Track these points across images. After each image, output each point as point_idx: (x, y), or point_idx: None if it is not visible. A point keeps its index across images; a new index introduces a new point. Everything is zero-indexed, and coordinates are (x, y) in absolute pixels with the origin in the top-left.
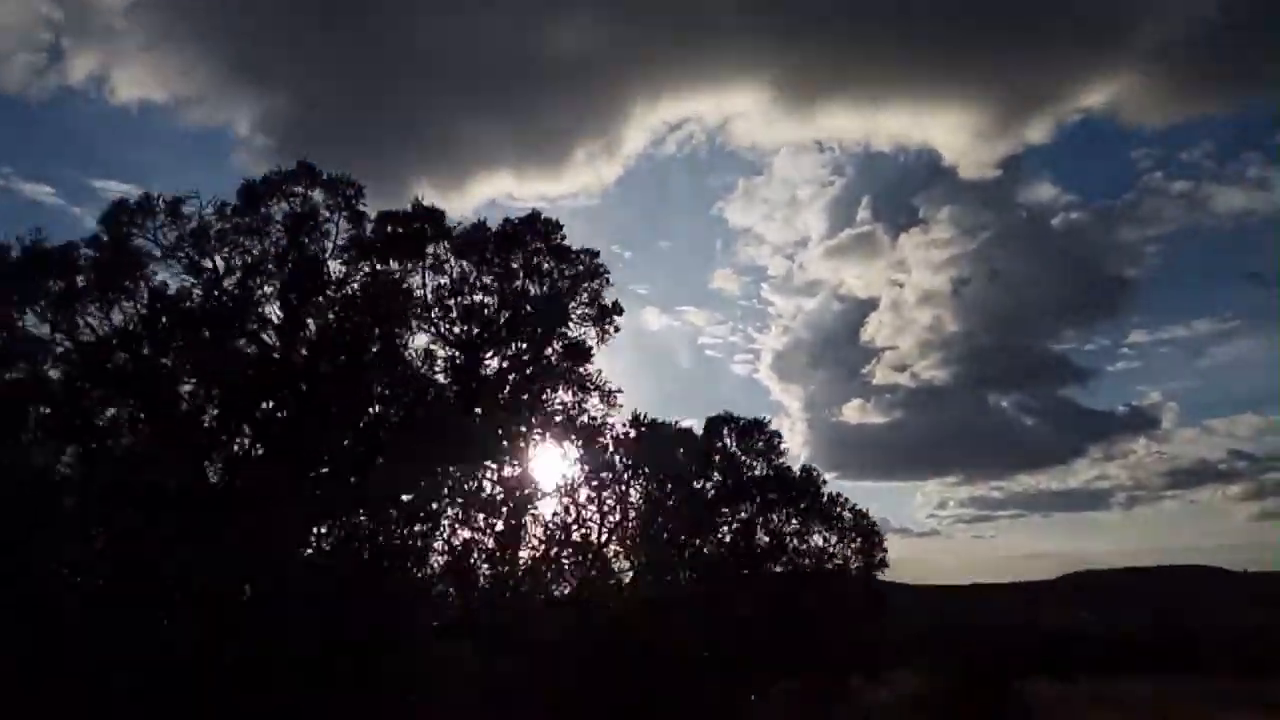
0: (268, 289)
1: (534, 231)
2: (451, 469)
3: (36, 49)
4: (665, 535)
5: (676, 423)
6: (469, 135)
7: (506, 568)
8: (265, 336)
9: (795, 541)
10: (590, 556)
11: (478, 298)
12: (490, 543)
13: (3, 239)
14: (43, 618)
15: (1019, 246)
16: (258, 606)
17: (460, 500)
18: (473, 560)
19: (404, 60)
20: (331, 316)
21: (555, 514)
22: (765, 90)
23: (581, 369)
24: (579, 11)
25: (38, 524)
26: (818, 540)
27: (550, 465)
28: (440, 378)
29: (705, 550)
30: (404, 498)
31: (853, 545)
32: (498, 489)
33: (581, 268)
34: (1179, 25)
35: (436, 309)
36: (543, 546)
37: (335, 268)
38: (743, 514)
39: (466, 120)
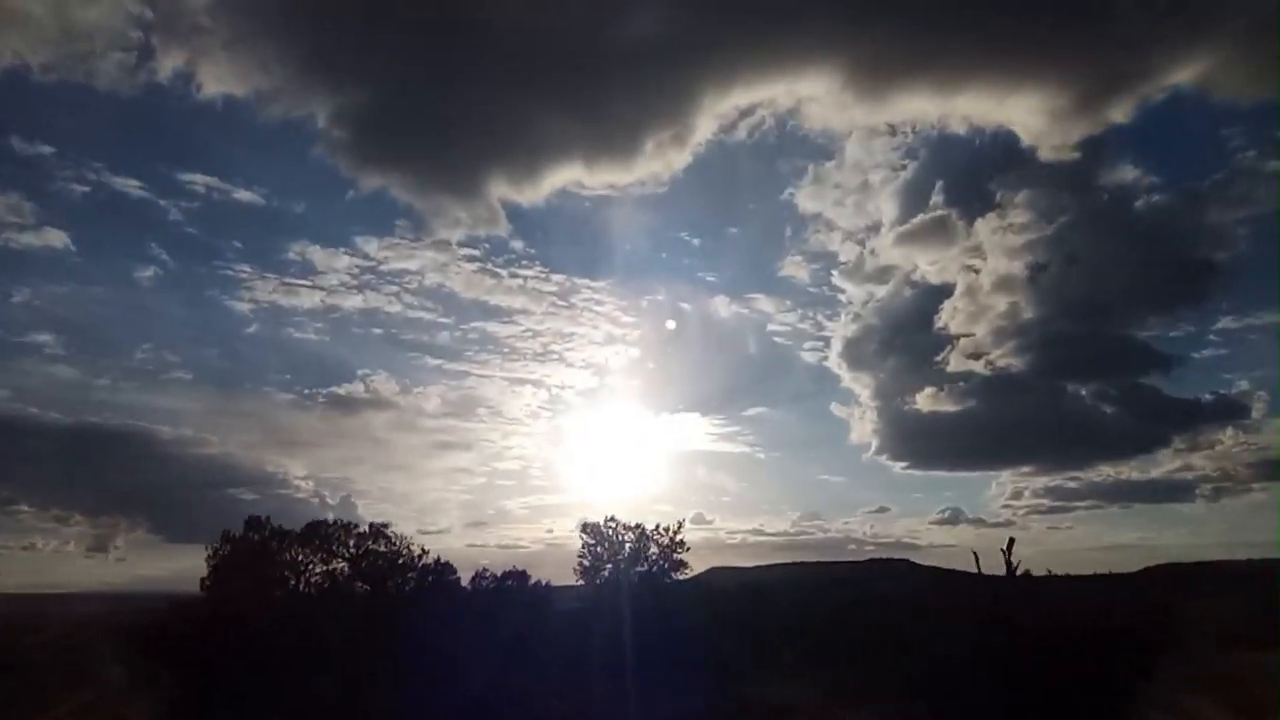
0: None
1: None
2: None
3: (127, 48)
4: None
5: None
6: (540, 125)
7: None
8: None
9: None
10: None
11: None
12: None
13: None
14: None
15: (1099, 230)
16: None
17: None
18: None
19: (477, 51)
20: None
21: None
22: (838, 74)
23: None
24: (649, 1)
25: None
26: None
27: None
28: None
29: None
30: None
31: None
32: None
33: None
34: None
35: None
36: None
37: None
38: None
39: (538, 111)
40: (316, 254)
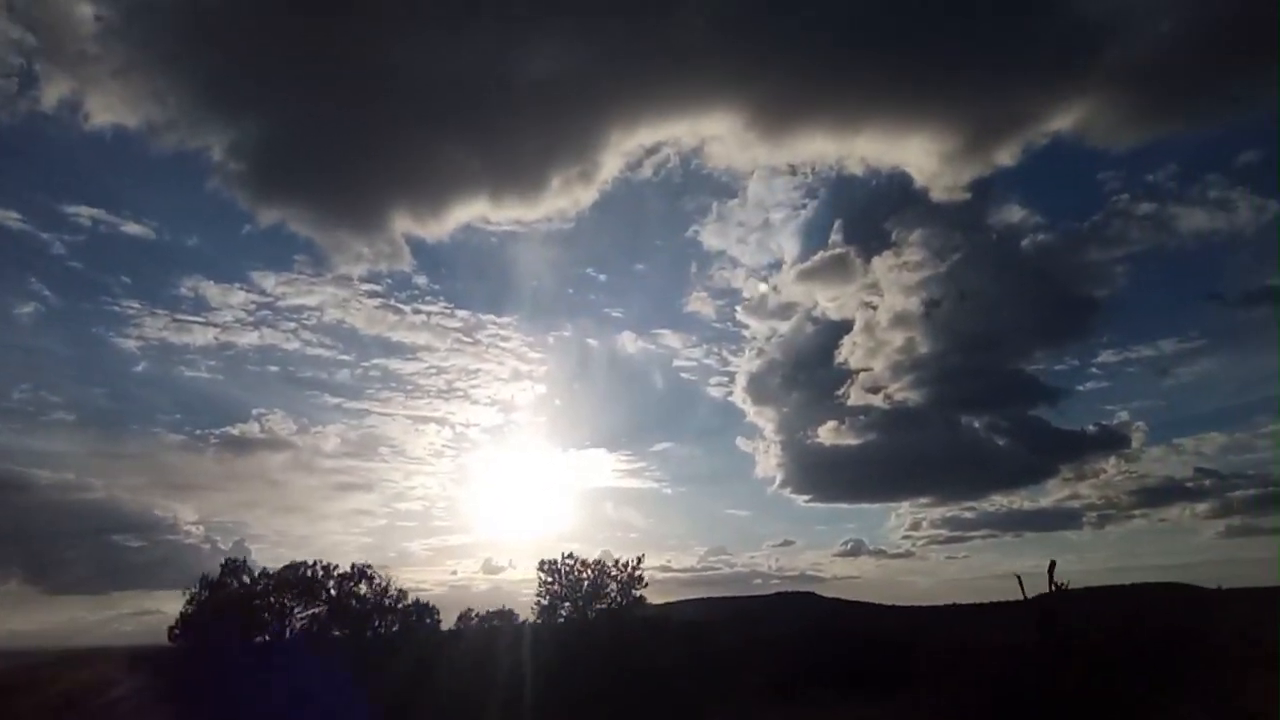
0: None
1: None
2: None
3: (8, 74)
4: None
5: None
6: (445, 161)
7: None
8: None
9: None
10: None
11: None
12: None
13: None
14: None
15: (989, 268)
16: None
17: None
18: None
19: (379, 86)
20: None
21: None
22: (741, 114)
23: None
24: (555, 38)
25: None
26: None
27: None
28: None
29: None
30: None
31: None
32: None
33: None
34: (1143, 45)
35: None
36: None
37: None
38: None
39: (443, 146)
40: (210, 289)
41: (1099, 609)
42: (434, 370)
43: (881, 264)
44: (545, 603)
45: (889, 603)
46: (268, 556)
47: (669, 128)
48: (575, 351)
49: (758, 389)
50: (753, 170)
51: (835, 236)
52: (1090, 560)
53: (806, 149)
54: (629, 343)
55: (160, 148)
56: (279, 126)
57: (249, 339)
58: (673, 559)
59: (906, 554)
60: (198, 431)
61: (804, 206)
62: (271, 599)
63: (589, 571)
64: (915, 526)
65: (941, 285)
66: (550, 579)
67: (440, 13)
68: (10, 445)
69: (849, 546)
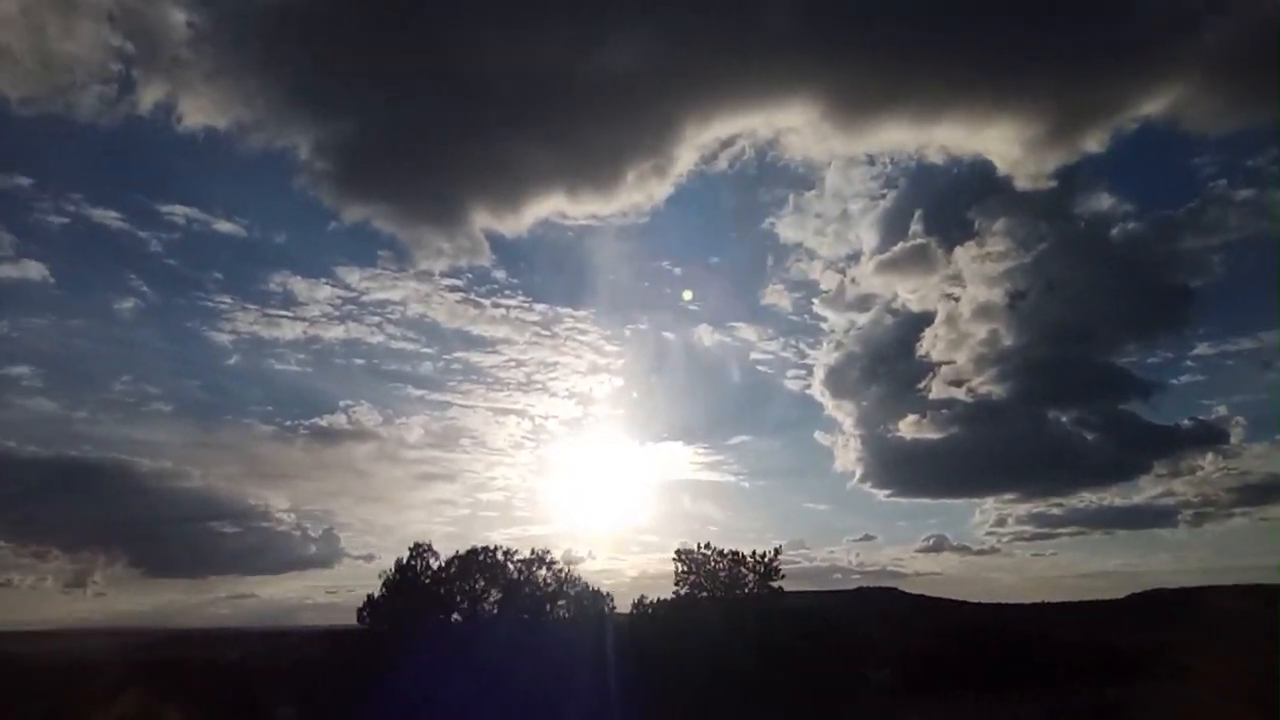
0: None
1: None
2: None
3: (108, 80)
4: None
5: None
6: (523, 157)
7: None
8: None
9: None
10: None
11: None
12: None
13: None
14: None
15: (1077, 258)
16: None
17: None
18: None
19: (459, 86)
20: None
21: None
22: (817, 105)
23: None
24: (629, 33)
25: None
26: None
27: None
28: None
29: None
30: None
31: None
32: None
33: None
34: (1241, 28)
35: None
36: None
37: None
38: None
39: (520, 143)
40: (298, 285)
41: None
42: (513, 363)
43: (964, 254)
44: (684, 591)
45: (975, 599)
46: (354, 544)
47: (744, 120)
48: (652, 344)
49: (836, 382)
50: (830, 161)
51: (915, 227)
52: (1186, 560)
53: (885, 138)
54: (705, 335)
55: (249, 148)
56: (362, 126)
57: (335, 333)
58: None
59: (991, 550)
60: (287, 422)
61: (883, 196)
62: (458, 583)
63: (725, 561)
64: (1000, 523)
65: (1027, 276)
66: (687, 568)
67: (516, 12)
68: (113, 435)
69: (931, 542)
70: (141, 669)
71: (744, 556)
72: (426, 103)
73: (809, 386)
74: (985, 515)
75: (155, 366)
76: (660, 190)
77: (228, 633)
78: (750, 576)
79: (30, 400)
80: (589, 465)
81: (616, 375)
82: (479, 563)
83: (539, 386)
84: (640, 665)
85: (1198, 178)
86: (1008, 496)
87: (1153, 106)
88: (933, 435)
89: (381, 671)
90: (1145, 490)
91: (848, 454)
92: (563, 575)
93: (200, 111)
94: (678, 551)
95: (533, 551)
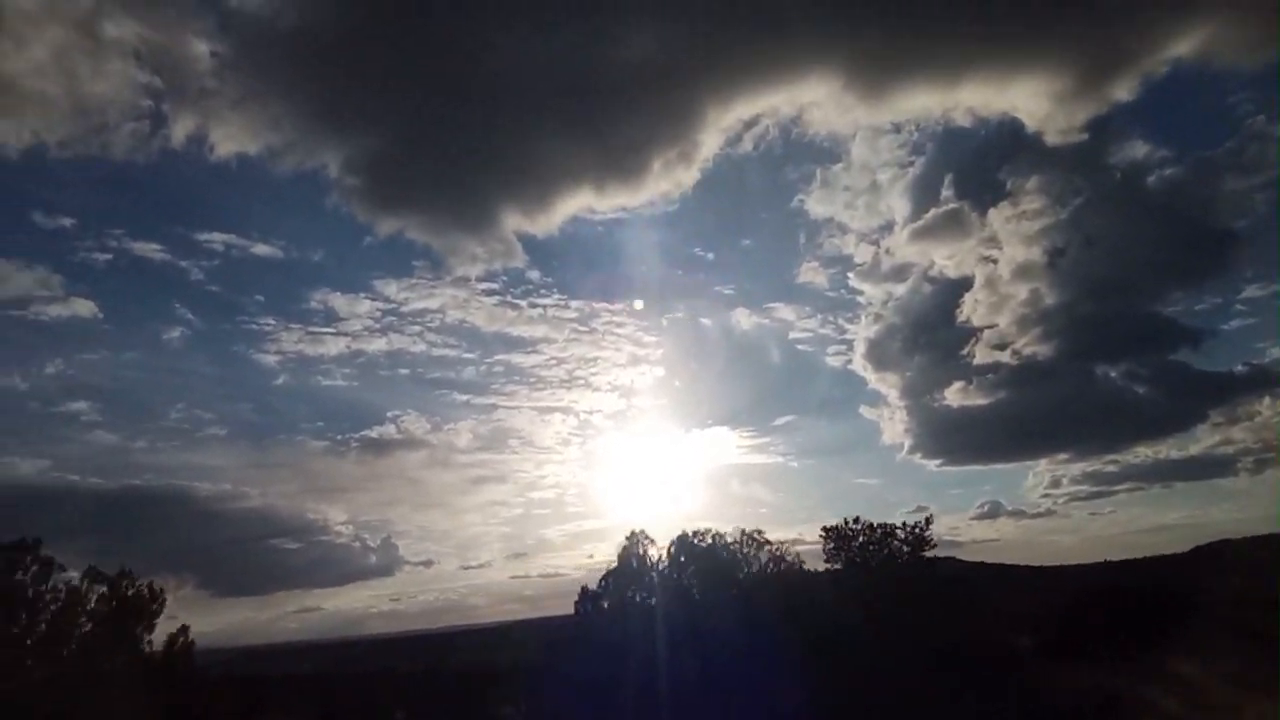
0: None
1: None
2: None
3: (139, 117)
4: None
5: None
6: (548, 156)
7: None
8: None
9: None
10: None
11: None
12: None
13: None
14: None
15: (1115, 209)
16: None
17: None
18: None
19: (479, 91)
20: None
21: None
22: (838, 76)
23: None
24: (642, 22)
25: None
26: None
27: None
28: None
29: None
30: None
31: None
32: None
33: None
34: None
35: None
36: None
37: None
38: None
39: (545, 141)
40: (338, 301)
41: None
42: (554, 361)
43: (998, 215)
44: (839, 566)
45: (1036, 563)
46: (413, 551)
47: (765, 98)
48: (690, 332)
49: (878, 355)
50: (855, 132)
51: (947, 192)
52: (1249, 508)
53: (909, 104)
54: (743, 319)
55: (281, 170)
56: (389, 139)
57: (378, 345)
58: (804, 532)
59: (1047, 513)
60: (338, 436)
61: (911, 164)
62: (678, 568)
63: (876, 534)
64: (1055, 484)
65: (1064, 232)
66: (832, 543)
67: (528, 12)
68: (171, 462)
69: (986, 509)
70: (359, 680)
71: (894, 528)
72: (448, 110)
73: (850, 362)
74: (1039, 478)
75: (207, 392)
76: (687, 177)
77: (295, 646)
78: (903, 548)
79: (91, 434)
80: (637, 456)
81: (657, 365)
82: (690, 546)
83: (581, 382)
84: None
85: (1235, 115)
86: (1061, 457)
87: (1182, 46)
88: (980, 401)
89: (612, 656)
90: (1202, 440)
91: (895, 426)
92: (777, 552)
93: (231, 139)
94: (825, 529)
95: (743, 533)
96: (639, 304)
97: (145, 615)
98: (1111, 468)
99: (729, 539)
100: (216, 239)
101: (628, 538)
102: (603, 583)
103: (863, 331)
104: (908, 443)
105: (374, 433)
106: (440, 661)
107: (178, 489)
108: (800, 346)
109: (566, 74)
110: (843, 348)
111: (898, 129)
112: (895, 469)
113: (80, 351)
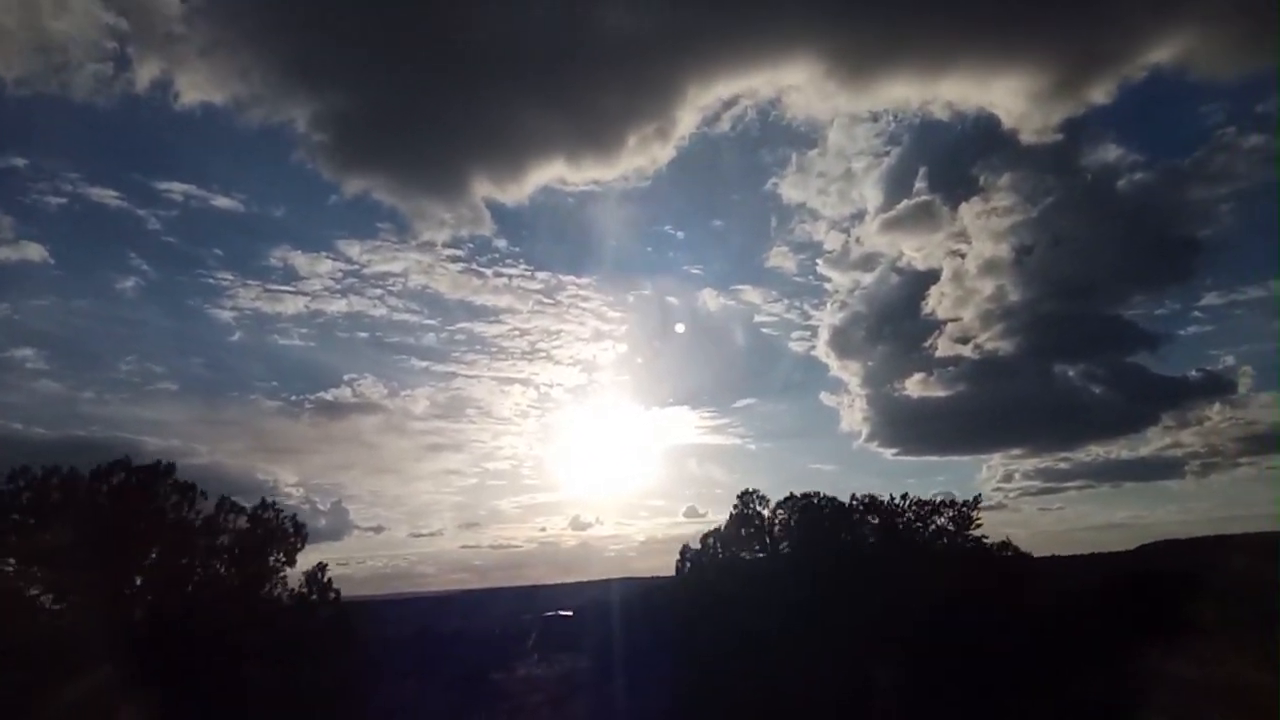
0: None
1: None
2: None
3: (103, 58)
4: None
5: None
6: (523, 124)
7: None
8: None
9: None
10: None
11: None
12: None
13: None
14: None
15: (1083, 211)
16: None
17: None
18: None
19: (456, 53)
20: None
21: None
22: (820, 62)
23: None
24: None
25: None
26: None
27: None
28: None
29: None
30: None
31: None
32: None
33: None
34: None
35: None
36: None
37: None
38: None
39: (520, 108)
40: (299, 259)
41: None
42: (517, 332)
43: (969, 210)
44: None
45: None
46: (363, 516)
47: (746, 79)
48: (656, 310)
49: (841, 343)
50: (833, 119)
51: (920, 184)
52: (1193, 510)
53: (889, 94)
54: (710, 300)
55: (246, 122)
56: (360, 98)
57: (337, 306)
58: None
59: (998, 506)
60: (293, 397)
61: (886, 154)
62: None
63: (922, 510)
64: (1007, 478)
65: (1033, 230)
66: (873, 517)
67: None
68: (119, 414)
69: (939, 500)
70: None
71: (937, 503)
72: (424, 72)
73: (814, 348)
74: (992, 471)
75: (159, 345)
76: (662, 154)
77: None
78: (950, 525)
79: (36, 382)
80: (595, 432)
81: (620, 341)
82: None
83: (543, 355)
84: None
85: (1205, 125)
86: (1015, 452)
87: (1162, 53)
88: (939, 393)
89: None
90: (1153, 442)
91: (854, 414)
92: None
93: (196, 88)
94: (862, 500)
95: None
96: (605, 278)
97: (287, 547)
98: (1063, 465)
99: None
100: (176, 189)
101: (740, 497)
102: (707, 540)
103: (828, 318)
104: (865, 431)
105: (329, 395)
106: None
107: (124, 441)
108: (765, 330)
109: (546, 42)
110: (807, 333)
111: (875, 118)
112: (852, 456)
113: (29, 297)
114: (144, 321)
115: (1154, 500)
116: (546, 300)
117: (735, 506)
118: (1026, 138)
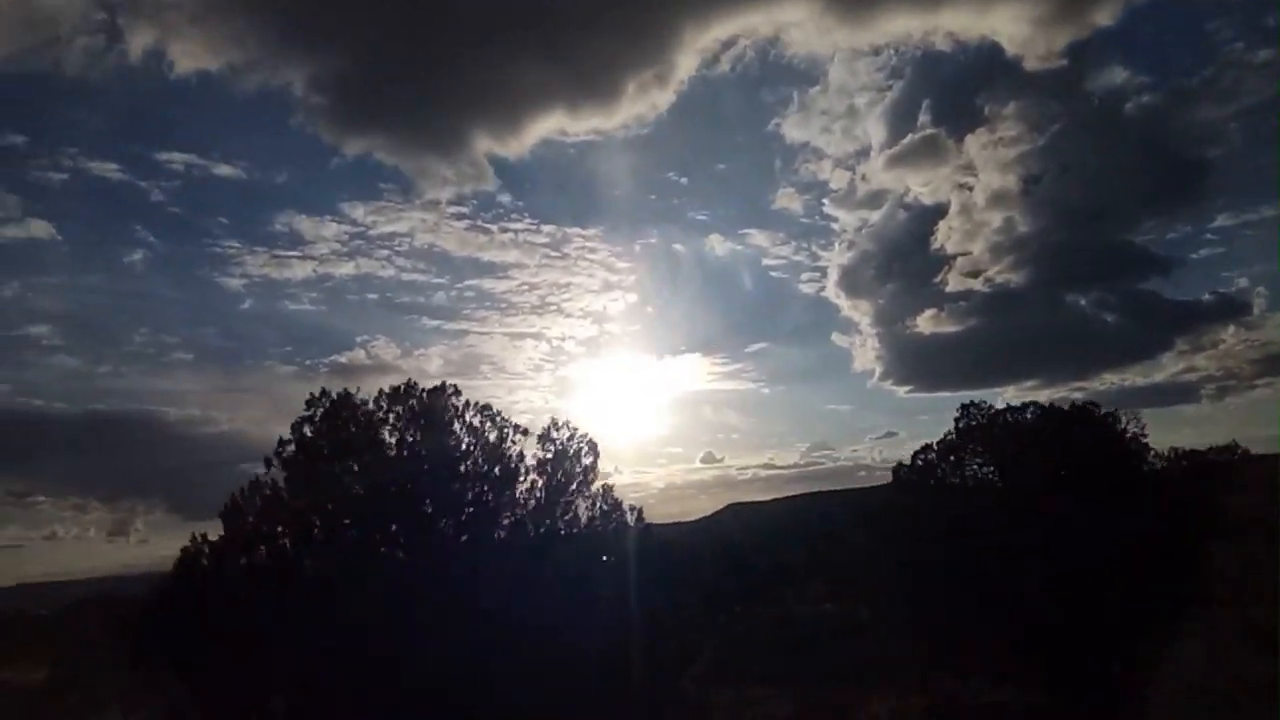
0: None
1: None
2: None
3: (94, 31)
4: None
5: None
6: (519, 75)
7: None
8: None
9: None
10: None
11: None
12: None
13: None
14: None
15: (1091, 137)
16: None
17: None
18: None
19: (449, 6)
20: None
21: None
22: None
23: None
24: None
25: None
26: None
27: None
28: None
29: None
30: None
31: None
32: None
33: None
34: None
35: None
36: None
37: None
38: None
39: (515, 60)
40: (304, 224)
41: None
42: (526, 287)
43: (975, 142)
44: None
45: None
46: None
47: (744, 18)
48: (663, 258)
49: (851, 282)
50: (833, 55)
51: (924, 117)
52: (1210, 434)
53: (889, 27)
54: (717, 245)
55: (244, 89)
56: (356, 57)
57: (346, 269)
58: (775, 456)
59: None
60: (308, 362)
61: (889, 88)
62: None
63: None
64: None
65: (1040, 159)
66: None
67: None
68: (136, 387)
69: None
70: None
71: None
72: (418, 28)
73: (823, 289)
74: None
75: (171, 316)
76: (662, 99)
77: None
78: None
79: (53, 358)
80: (609, 383)
81: (630, 291)
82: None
83: (553, 308)
84: None
85: (1213, 43)
86: (1029, 384)
87: None
88: (951, 328)
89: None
90: (1167, 368)
91: (866, 353)
92: None
93: (191, 56)
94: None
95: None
96: (611, 229)
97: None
98: (1078, 395)
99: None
100: (177, 159)
101: (961, 408)
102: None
103: (836, 259)
104: (878, 369)
105: (343, 358)
106: None
107: (144, 413)
108: (774, 274)
109: None
110: (816, 275)
111: (876, 52)
112: (865, 396)
113: (39, 274)
114: (155, 293)
115: (1170, 425)
116: (554, 253)
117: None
118: (1030, 64)
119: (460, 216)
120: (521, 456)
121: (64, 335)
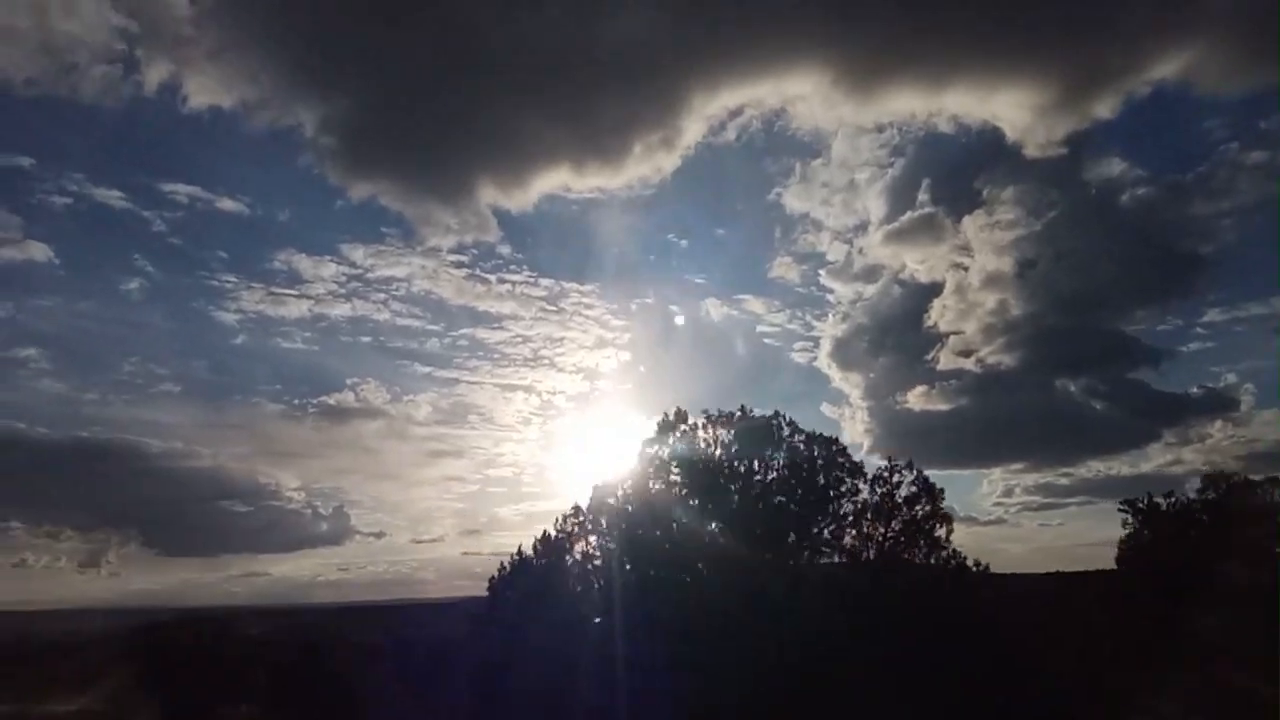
0: None
1: None
2: None
3: (112, 60)
4: None
5: None
6: (528, 131)
7: None
8: None
9: None
10: None
11: None
12: None
13: None
14: None
15: (1087, 226)
16: None
17: None
18: None
19: (464, 61)
20: None
21: None
22: (826, 72)
23: None
24: (636, 3)
25: None
26: None
27: None
28: None
29: None
30: None
31: None
32: None
33: None
34: None
35: None
36: None
37: None
38: None
39: (525, 116)
40: (303, 262)
41: None
42: (520, 339)
43: (972, 223)
44: None
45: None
46: (364, 521)
47: (752, 89)
48: (658, 318)
49: (843, 354)
50: (838, 129)
51: (923, 196)
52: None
53: (894, 106)
54: (712, 308)
55: (254, 126)
56: (368, 103)
57: (341, 310)
58: None
59: (998, 521)
60: (296, 401)
61: (891, 165)
62: None
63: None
64: (1008, 493)
65: (1036, 244)
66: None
67: None
68: (122, 416)
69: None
70: None
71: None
72: (432, 78)
73: (816, 359)
74: (993, 486)
75: (162, 347)
76: (667, 162)
77: (241, 610)
78: None
79: (39, 382)
80: (597, 440)
81: (623, 349)
82: None
83: (546, 362)
84: None
85: (1209, 141)
86: (1015, 466)
87: (1166, 69)
88: (941, 406)
89: None
90: (1154, 459)
91: (855, 426)
92: None
93: (205, 91)
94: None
95: None
96: (608, 286)
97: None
98: (1064, 480)
99: None
100: (182, 191)
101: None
102: None
103: (830, 329)
104: (867, 443)
105: (332, 399)
106: None
107: (127, 443)
108: (767, 340)
109: (553, 50)
110: (809, 344)
111: (880, 129)
112: None
113: (33, 297)
114: (148, 323)
115: None
116: (550, 307)
117: None
118: (1030, 151)
119: (460, 265)
120: None
121: (52, 359)
